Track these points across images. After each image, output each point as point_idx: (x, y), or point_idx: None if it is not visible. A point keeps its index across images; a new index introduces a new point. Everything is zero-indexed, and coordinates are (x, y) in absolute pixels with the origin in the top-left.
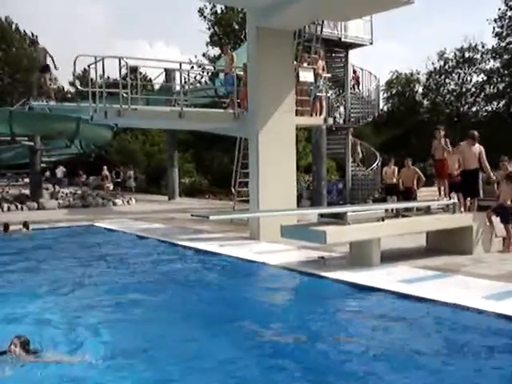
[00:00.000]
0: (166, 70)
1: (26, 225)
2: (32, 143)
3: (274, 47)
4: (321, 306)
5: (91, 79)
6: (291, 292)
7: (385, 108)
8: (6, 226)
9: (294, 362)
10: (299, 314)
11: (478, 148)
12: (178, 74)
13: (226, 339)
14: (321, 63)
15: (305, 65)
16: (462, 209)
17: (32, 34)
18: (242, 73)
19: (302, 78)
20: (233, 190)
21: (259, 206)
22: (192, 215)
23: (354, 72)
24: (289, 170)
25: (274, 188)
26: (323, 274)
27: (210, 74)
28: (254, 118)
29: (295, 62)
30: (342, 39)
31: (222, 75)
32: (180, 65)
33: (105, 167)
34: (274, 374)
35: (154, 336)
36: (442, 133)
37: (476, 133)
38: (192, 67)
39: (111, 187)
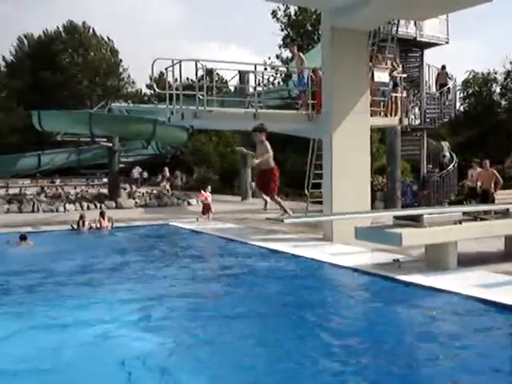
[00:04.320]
0: (239, 71)
1: (110, 220)
2: (110, 144)
3: (349, 47)
4: (395, 308)
5: (168, 82)
6: (365, 294)
7: (461, 108)
8: (81, 217)
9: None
10: (373, 317)
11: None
12: (251, 76)
13: (298, 338)
14: (396, 63)
15: (380, 65)
16: None
17: (108, 39)
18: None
19: (376, 79)
20: (306, 191)
21: (332, 208)
22: (267, 219)
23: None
24: (363, 171)
25: (347, 189)
26: (398, 276)
27: (283, 75)
28: (328, 119)
29: (370, 63)
30: (418, 38)
31: (295, 76)
32: (255, 67)
33: (166, 168)
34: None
35: (233, 334)
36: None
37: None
38: (265, 69)
39: (167, 186)
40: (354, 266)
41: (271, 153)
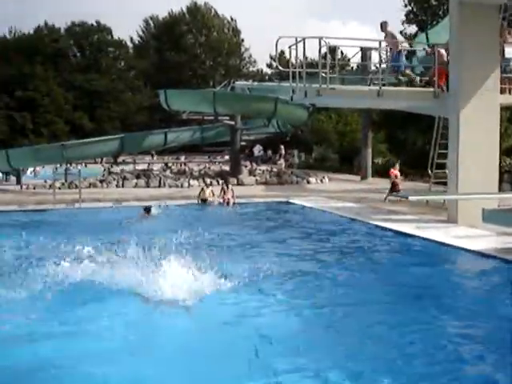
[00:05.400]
0: (362, 48)
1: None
2: (233, 122)
3: (478, 23)
4: None
5: (290, 60)
6: (493, 281)
7: None
8: (206, 184)
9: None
10: (502, 306)
11: None
12: (374, 53)
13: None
14: None
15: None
16: None
17: (231, 18)
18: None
19: (507, 55)
20: (429, 171)
21: (458, 189)
22: (391, 195)
23: None
24: (491, 151)
25: (474, 170)
26: None
27: (405, 52)
28: (454, 96)
29: (500, 38)
30: None
31: (419, 53)
32: (379, 43)
33: (282, 146)
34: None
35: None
36: None
37: None
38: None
39: (283, 164)
40: (482, 249)
41: None
